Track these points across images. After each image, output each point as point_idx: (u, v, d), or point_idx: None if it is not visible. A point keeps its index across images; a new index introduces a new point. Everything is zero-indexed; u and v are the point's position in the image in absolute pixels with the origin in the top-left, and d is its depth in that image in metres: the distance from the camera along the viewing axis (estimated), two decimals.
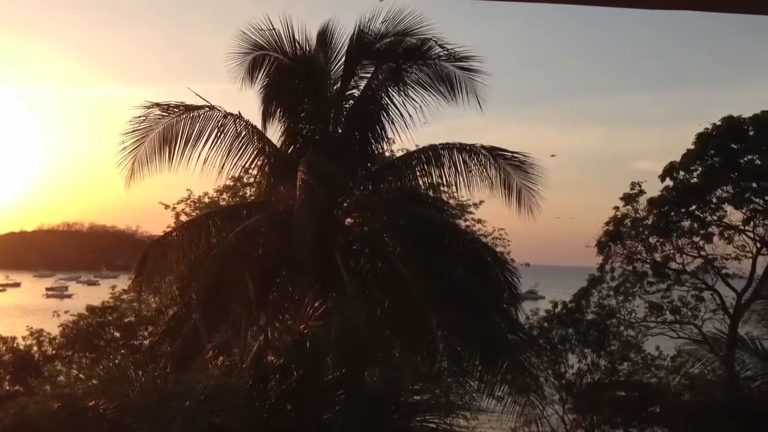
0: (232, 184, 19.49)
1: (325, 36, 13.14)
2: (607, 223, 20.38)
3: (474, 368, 12.31)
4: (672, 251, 19.87)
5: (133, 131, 12.17)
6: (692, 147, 19.31)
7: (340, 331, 8.79)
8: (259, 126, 13.04)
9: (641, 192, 20.15)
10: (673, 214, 19.49)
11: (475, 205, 19.95)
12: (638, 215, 20.09)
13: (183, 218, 20.36)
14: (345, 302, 10.40)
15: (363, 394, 8.99)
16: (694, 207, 19.38)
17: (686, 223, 19.56)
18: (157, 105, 12.25)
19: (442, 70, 12.81)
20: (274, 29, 12.73)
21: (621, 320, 20.19)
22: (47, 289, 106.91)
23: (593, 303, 20.38)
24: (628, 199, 20.21)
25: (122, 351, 21.28)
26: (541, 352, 17.38)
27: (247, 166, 13.50)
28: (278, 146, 13.18)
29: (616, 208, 20.36)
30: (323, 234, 12.22)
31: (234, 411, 8.37)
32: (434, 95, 13.00)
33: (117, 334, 22.83)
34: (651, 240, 19.95)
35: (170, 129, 12.26)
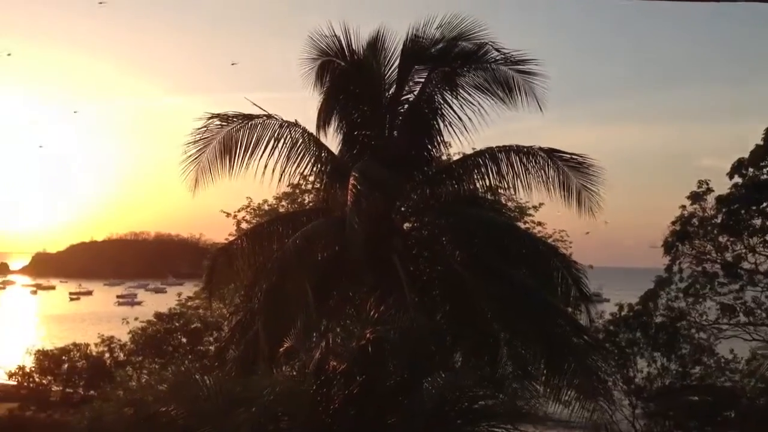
0: (290, 191, 19.75)
1: (378, 42, 13.21)
2: (673, 223, 19.82)
3: (539, 372, 12.11)
4: (743, 251, 19.17)
5: (195, 141, 12.47)
6: (761, 143, 18.63)
7: (401, 335, 8.77)
8: (317, 132, 13.21)
9: (709, 190, 19.53)
10: (743, 212, 18.81)
11: (534, 207, 19.72)
12: (706, 214, 19.47)
13: (244, 225, 20.75)
14: (405, 307, 10.38)
15: (426, 399, 8.94)
16: (765, 204, 18.67)
17: (758, 222, 18.85)
18: (217, 116, 12.52)
19: (499, 74, 12.74)
20: (335, 36, 12.91)
21: (692, 323, 19.59)
22: (118, 296, 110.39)
23: (661, 305, 19.84)
24: (695, 197, 19.60)
25: (189, 356, 21.80)
26: (608, 356, 17.01)
27: (305, 173, 13.67)
28: (335, 152, 13.29)
29: (683, 207, 19.79)
30: (381, 239, 12.24)
31: (298, 416, 8.45)
32: (492, 98, 12.95)
33: (184, 340, 23.41)
34: (721, 239, 19.30)
35: (230, 138, 12.51)
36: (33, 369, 24.62)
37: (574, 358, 11.92)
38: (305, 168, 13.06)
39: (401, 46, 13.06)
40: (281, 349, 9.27)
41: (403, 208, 13.46)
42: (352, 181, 11.17)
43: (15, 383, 25.58)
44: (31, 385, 24.62)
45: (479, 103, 12.99)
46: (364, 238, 10.85)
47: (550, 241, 19.09)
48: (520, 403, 10.22)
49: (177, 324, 23.80)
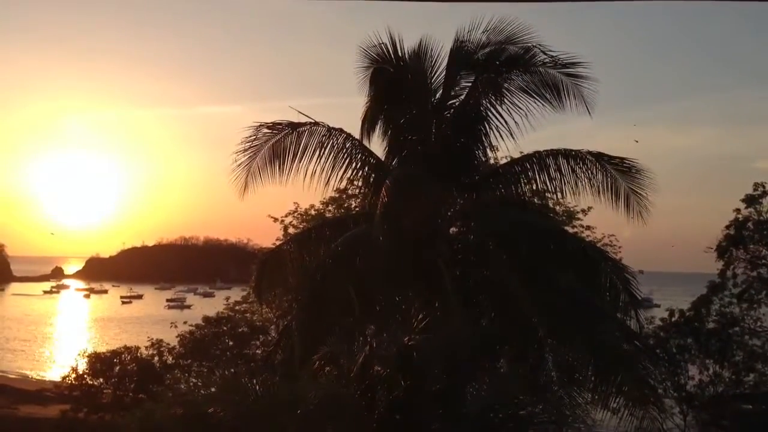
0: (337, 196, 19.85)
1: (424, 47, 13.22)
2: (727, 227, 19.29)
3: (587, 379, 11.93)
4: None
5: (245, 150, 12.69)
6: None
7: (446, 341, 8.75)
8: (361, 138, 13.28)
9: (765, 193, 18.97)
10: None
11: (583, 211, 19.44)
12: (762, 218, 18.91)
13: (291, 231, 20.92)
14: (450, 312, 10.33)
15: (471, 405, 8.89)
16: None
17: None
18: (266, 125, 12.73)
19: (547, 77, 12.62)
20: (383, 43, 12.97)
21: (745, 329, 19.05)
22: (168, 300, 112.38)
23: (714, 311, 19.33)
24: (750, 200, 19.06)
25: (237, 360, 22.00)
26: (658, 363, 16.65)
27: (351, 178, 13.74)
28: (381, 157, 13.34)
29: (737, 210, 19.25)
30: (426, 244, 12.21)
31: (342, 420, 8.48)
32: (540, 102, 12.84)
33: (231, 344, 23.66)
34: None
35: (279, 145, 12.71)
36: (85, 371, 25.17)
37: (623, 365, 11.70)
38: (351, 173, 13.17)
39: (448, 51, 13.05)
40: (319, 355, 9.32)
41: (449, 213, 13.41)
42: (384, 190, 11.19)
43: (68, 385, 26.20)
44: (84, 387, 25.17)
45: (527, 107, 12.89)
46: (398, 245, 10.85)
47: (599, 245, 18.78)
48: (565, 411, 10.07)
49: (225, 328, 24.06)
